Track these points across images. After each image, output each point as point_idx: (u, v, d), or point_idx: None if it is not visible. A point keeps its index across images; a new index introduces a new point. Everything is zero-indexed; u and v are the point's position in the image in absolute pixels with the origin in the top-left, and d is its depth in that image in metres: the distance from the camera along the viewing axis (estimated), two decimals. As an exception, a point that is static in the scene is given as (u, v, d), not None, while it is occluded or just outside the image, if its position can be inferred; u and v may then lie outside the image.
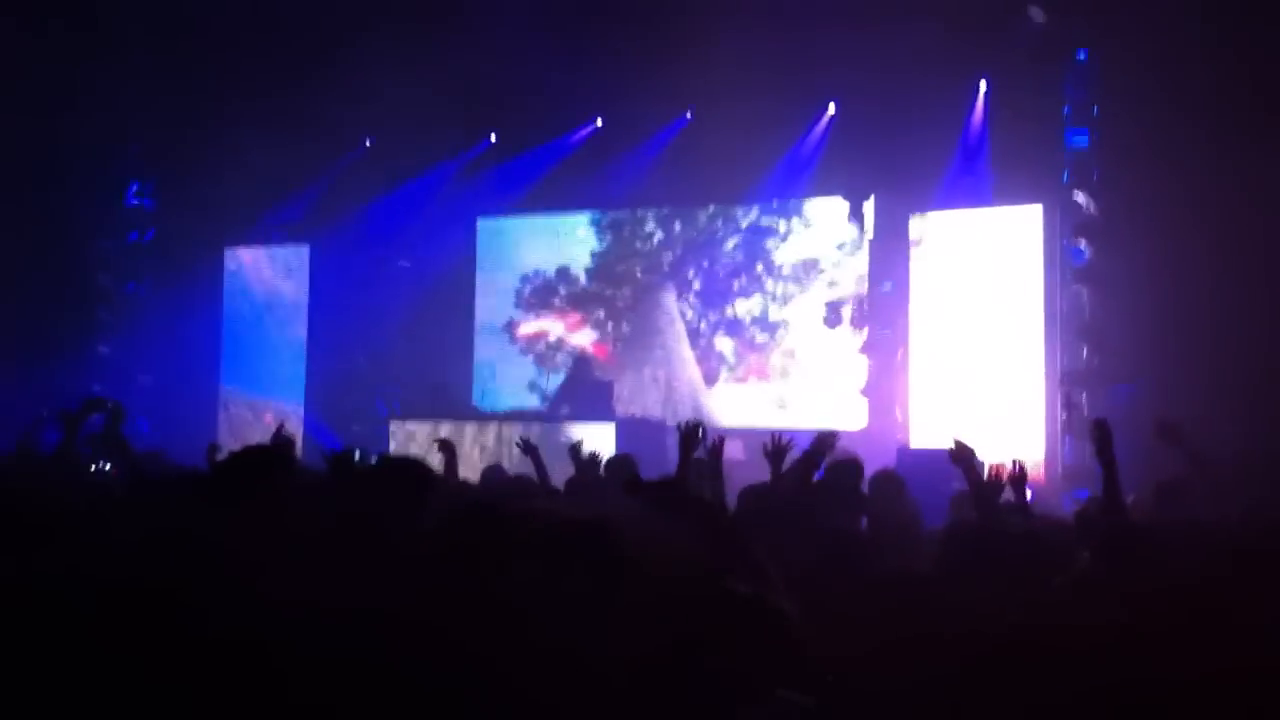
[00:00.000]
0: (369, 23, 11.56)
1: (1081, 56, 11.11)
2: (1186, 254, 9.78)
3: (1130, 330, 10.45)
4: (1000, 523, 4.15)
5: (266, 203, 14.39)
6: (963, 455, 4.69)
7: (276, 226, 14.56)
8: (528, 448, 6.34)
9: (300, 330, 14.40)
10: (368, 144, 14.07)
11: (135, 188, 14.55)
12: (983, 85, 11.76)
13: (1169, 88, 9.84)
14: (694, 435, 5.04)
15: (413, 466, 3.67)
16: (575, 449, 6.46)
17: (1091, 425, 4.75)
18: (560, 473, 6.22)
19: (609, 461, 6.55)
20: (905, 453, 9.82)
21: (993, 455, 4.94)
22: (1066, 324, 11.13)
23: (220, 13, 11.71)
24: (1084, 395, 10.74)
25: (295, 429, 5.25)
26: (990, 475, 4.50)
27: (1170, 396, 9.63)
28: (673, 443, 5.68)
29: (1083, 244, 11.02)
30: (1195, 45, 9.58)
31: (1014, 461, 4.67)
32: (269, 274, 14.70)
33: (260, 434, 11.14)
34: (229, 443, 6.32)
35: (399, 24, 11.41)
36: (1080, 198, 11.05)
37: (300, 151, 13.39)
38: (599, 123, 13.42)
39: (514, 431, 10.37)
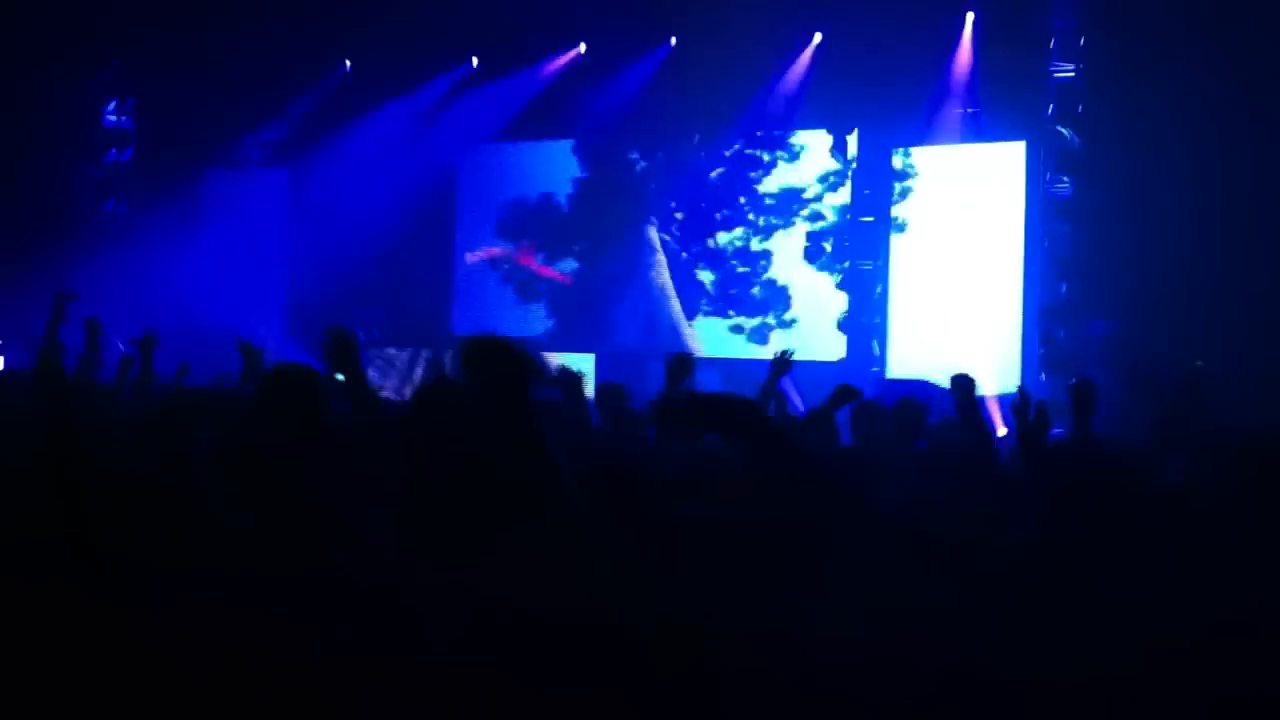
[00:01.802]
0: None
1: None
2: (1169, 189, 9.80)
3: (1110, 266, 10.49)
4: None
5: (246, 125, 14.24)
6: (964, 386, 4.66)
7: (256, 148, 14.43)
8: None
9: (278, 254, 14.34)
10: (347, 66, 13.90)
11: (114, 105, 14.35)
12: (969, 18, 11.64)
13: (1156, 17, 9.80)
14: (682, 367, 5.07)
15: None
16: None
17: (1074, 387, 4.78)
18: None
19: (599, 388, 6.53)
20: (883, 382, 9.90)
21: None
22: (1046, 259, 11.17)
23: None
24: (1062, 331, 10.81)
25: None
26: (1034, 415, 4.32)
27: (1149, 333, 9.73)
28: (655, 373, 5.69)
29: (1065, 179, 11.02)
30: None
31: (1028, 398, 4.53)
32: (247, 197, 14.59)
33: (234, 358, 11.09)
34: (202, 365, 6.24)
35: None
36: (1064, 131, 11.01)
37: (280, 73, 13.25)
38: (582, 49, 13.27)
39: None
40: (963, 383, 4.69)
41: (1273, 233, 9.45)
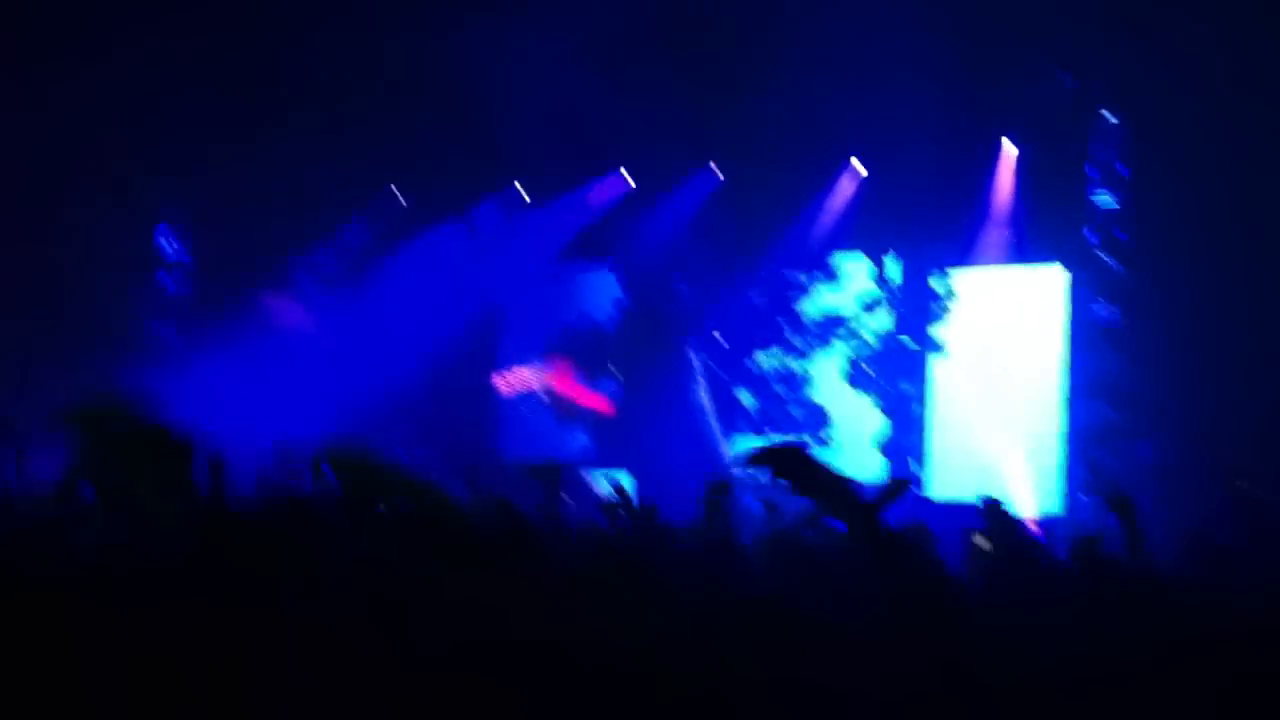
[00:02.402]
0: (401, 80, 11.78)
1: (1109, 117, 11.14)
2: (1208, 312, 9.80)
3: (1151, 389, 10.44)
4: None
5: (297, 252, 14.54)
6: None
7: (307, 273, 14.72)
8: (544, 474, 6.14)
9: (325, 378, 14.51)
10: (396, 193, 14.23)
11: (170, 232, 14.73)
12: (1005, 143, 11.78)
13: (1198, 149, 9.88)
14: (723, 492, 5.13)
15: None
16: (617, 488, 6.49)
17: (1112, 500, 4.76)
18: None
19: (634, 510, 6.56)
20: (925, 503, 9.85)
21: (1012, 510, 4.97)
22: (1089, 382, 11.13)
23: (261, 68, 11.91)
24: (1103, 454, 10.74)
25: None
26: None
27: (1190, 453, 9.65)
28: (695, 492, 5.73)
29: (1104, 303, 11.04)
30: (1222, 107, 9.64)
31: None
32: (297, 319, 14.83)
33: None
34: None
35: (427, 86, 11.59)
36: (1105, 258, 11.07)
37: (331, 201, 13.59)
38: (628, 178, 13.51)
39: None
40: (993, 506, 4.72)
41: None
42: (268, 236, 13.63)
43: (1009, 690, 2.43)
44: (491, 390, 14.28)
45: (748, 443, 13.04)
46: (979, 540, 5.34)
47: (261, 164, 13.01)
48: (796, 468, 2.65)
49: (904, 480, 5.30)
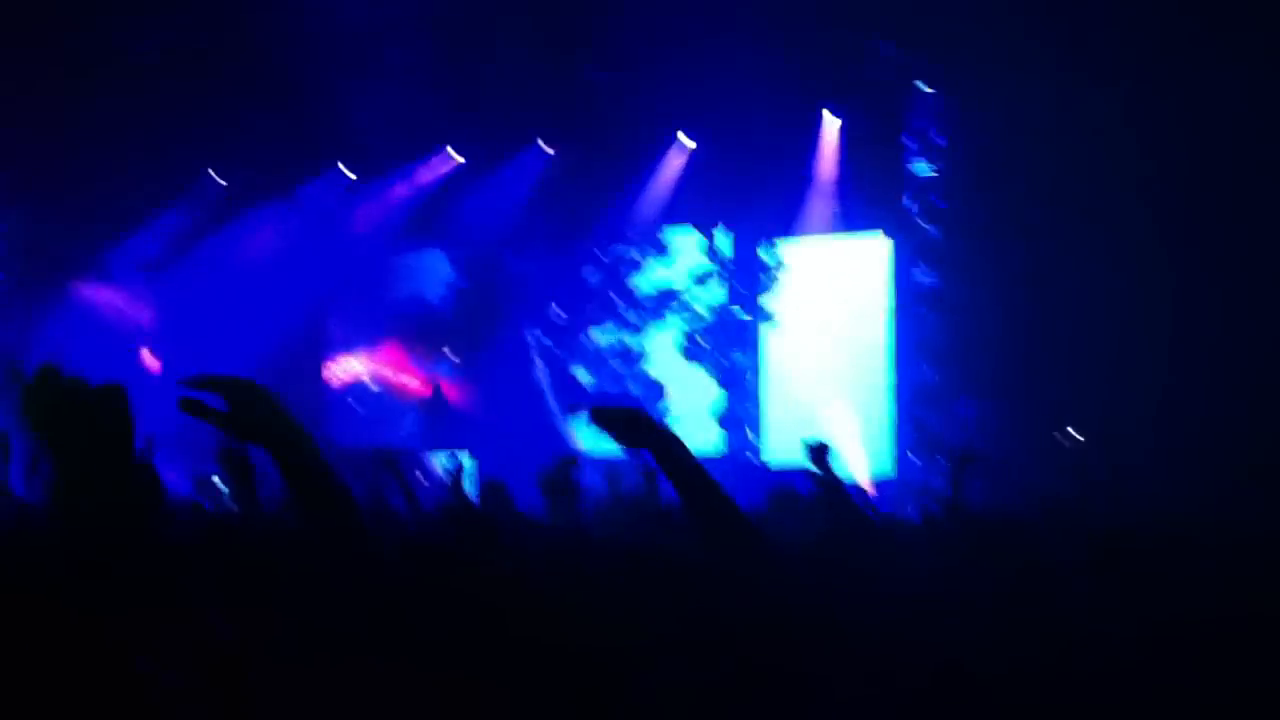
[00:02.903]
0: (221, 63, 11.42)
1: (924, 88, 11.44)
2: (1025, 275, 10.19)
3: (973, 350, 10.80)
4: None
5: (112, 240, 13.99)
6: (820, 455, 4.74)
7: (124, 261, 14.18)
8: (386, 461, 6.02)
9: (150, 364, 14.06)
10: (214, 176, 13.79)
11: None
12: (826, 115, 11.99)
13: (1014, 117, 10.23)
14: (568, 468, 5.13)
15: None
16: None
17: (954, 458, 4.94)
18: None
19: (482, 487, 6.52)
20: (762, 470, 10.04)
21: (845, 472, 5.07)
22: (912, 346, 11.46)
23: (68, 48, 11.39)
24: (930, 414, 11.08)
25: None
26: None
27: (1014, 413, 10.04)
28: (533, 472, 5.72)
29: (925, 269, 11.37)
30: (1034, 75, 9.99)
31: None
32: (115, 308, 14.31)
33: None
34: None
35: (244, 64, 11.26)
36: (923, 224, 11.39)
37: (146, 187, 13.10)
38: (458, 158, 13.33)
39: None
40: (817, 448, 4.76)
41: (1122, 311, 9.85)
42: (79, 223, 13.05)
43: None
44: (321, 377, 14.00)
45: (585, 419, 13.09)
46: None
47: (69, 147, 12.46)
48: (634, 428, 2.73)
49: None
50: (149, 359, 14.04)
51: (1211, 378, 9.26)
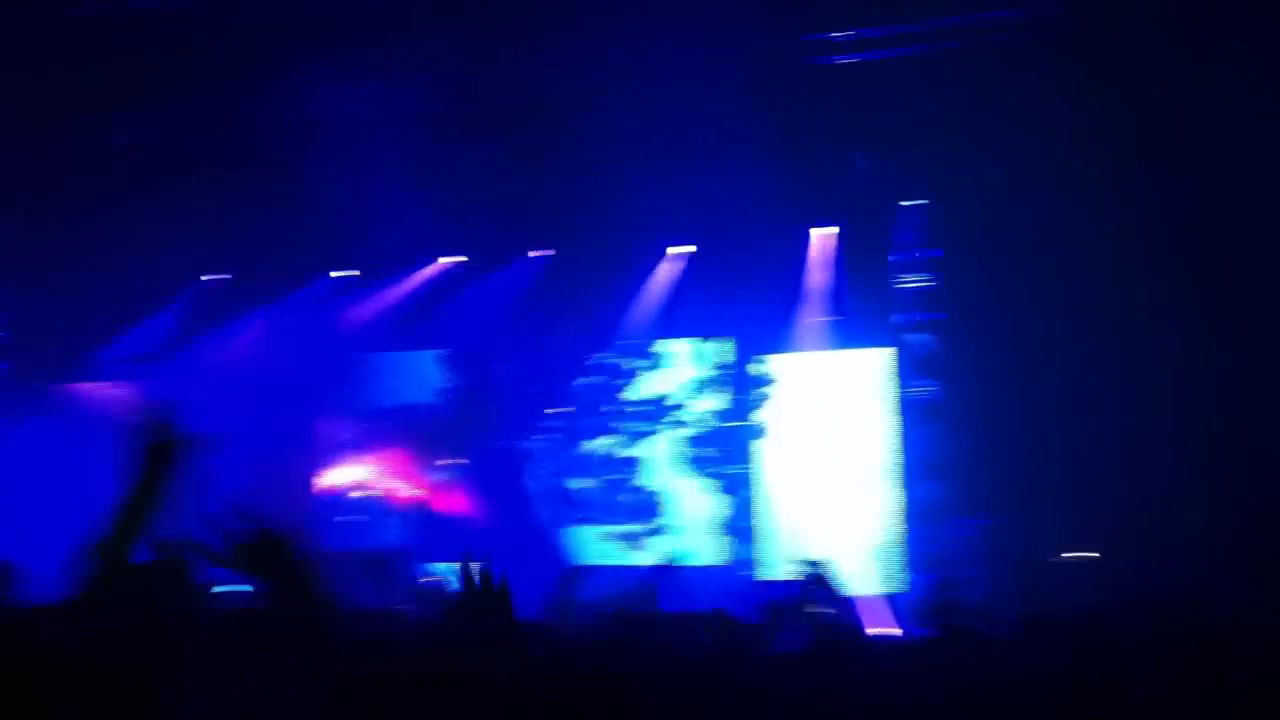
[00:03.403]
0: (219, 159, 11.48)
1: (908, 203, 11.51)
2: (1027, 388, 10.15)
3: (978, 466, 10.71)
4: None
5: (103, 340, 13.91)
6: (818, 573, 4.79)
7: (115, 361, 14.09)
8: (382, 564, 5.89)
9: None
10: (213, 278, 13.78)
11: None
12: (822, 231, 12.05)
13: (1003, 226, 10.30)
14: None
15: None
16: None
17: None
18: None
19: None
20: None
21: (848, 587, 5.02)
22: (916, 460, 11.36)
23: (54, 146, 11.44)
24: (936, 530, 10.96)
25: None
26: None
27: (1025, 529, 9.93)
28: (526, 582, 5.59)
29: (924, 380, 11.33)
30: (1021, 186, 10.09)
31: None
32: (110, 408, 14.17)
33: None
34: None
35: (248, 156, 11.32)
36: (922, 338, 11.38)
37: (139, 287, 13.08)
38: (447, 262, 13.32)
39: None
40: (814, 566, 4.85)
41: (1130, 417, 9.81)
42: (79, 325, 13.02)
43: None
44: (310, 480, 13.81)
45: (580, 532, 12.90)
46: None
47: (75, 250, 12.46)
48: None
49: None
50: None
51: (1213, 478, 9.22)
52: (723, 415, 12.46)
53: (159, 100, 11.25)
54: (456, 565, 5.86)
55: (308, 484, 13.79)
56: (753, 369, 12.38)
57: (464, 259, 13.29)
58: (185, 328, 13.79)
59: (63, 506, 12.80)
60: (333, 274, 13.63)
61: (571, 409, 13.22)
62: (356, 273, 13.60)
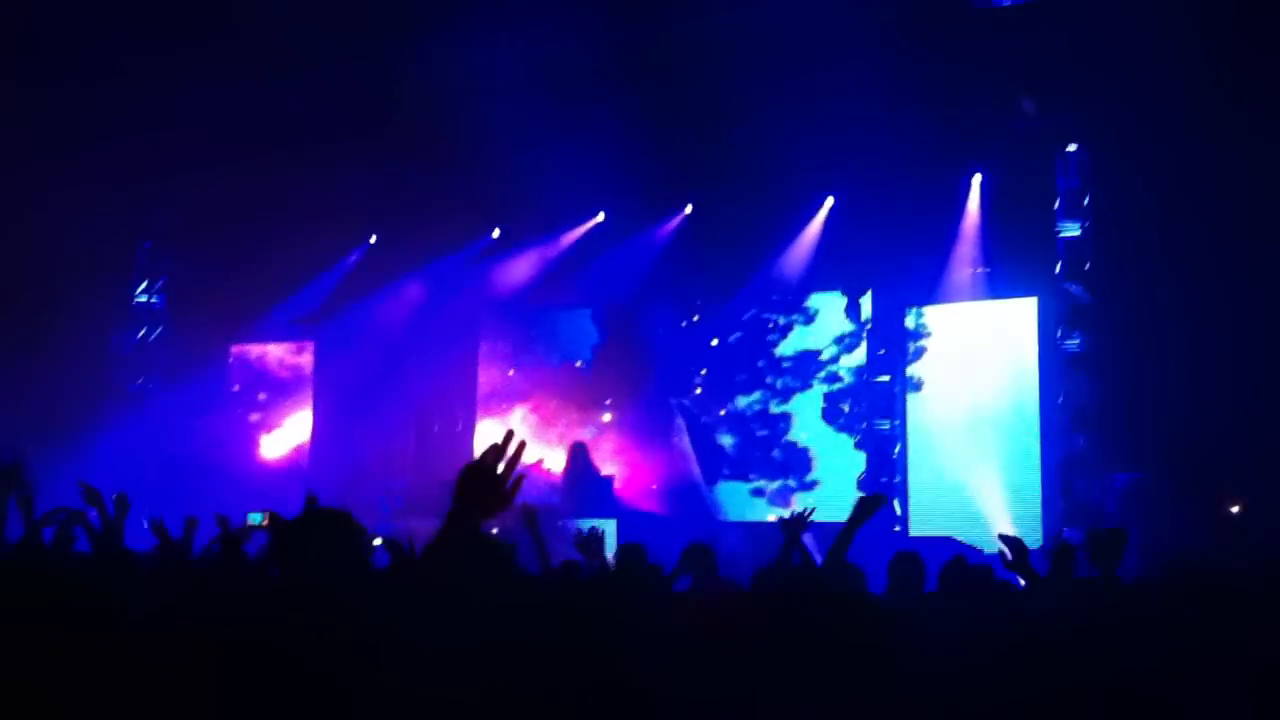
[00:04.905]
0: (372, 124, 11.82)
1: (1072, 148, 11.25)
2: (1181, 341, 9.91)
3: (1127, 417, 10.51)
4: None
5: (272, 300, 14.49)
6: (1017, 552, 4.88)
7: (283, 323, 14.68)
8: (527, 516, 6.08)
9: (306, 424, 14.53)
10: (372, 240, 14.25)
11: (144, 285, 14.58)
12: (976, 179, 11.90)
13: (1159, 176, 10.02)
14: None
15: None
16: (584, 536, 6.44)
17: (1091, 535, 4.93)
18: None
19: (620, 549, 6.53)
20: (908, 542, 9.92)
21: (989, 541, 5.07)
22: (1062, 413, 11.18)
23: (226, 114, 11.88)
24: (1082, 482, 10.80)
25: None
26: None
27: (1170, 484, 9.74)
28: (676, 536, 5.76)
29: (1076, 334, 11.11)
30: (1183, 133, 9.78)
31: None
32: (275, 370, 14.84)
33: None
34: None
35: (402, 120, 11.63)
36: (1073, 288, 11.14)
37: (305, 249, 13.57)
38: (601, 218, 13.52)
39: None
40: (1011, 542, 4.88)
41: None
42: (245, 287, 13.57)
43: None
44: (470, 436, 14.24)
45: (731, 488, 13.04)
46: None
47: (237, 214, 12.99)
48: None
49: (877, 497, 5.31)
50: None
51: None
52: (870, 370, 12.40)
53: (317, 71, 11.59)
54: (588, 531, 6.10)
55: (468, 435, 14.23)
56: (903, 321, 12.29)
57: (614, 216, 13.44)
58: (346, 287, 14.29)
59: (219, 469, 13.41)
60: (494, 234, 13.95)
61: (721, 365, 13.33)
62: (512, 233, 13.88)
